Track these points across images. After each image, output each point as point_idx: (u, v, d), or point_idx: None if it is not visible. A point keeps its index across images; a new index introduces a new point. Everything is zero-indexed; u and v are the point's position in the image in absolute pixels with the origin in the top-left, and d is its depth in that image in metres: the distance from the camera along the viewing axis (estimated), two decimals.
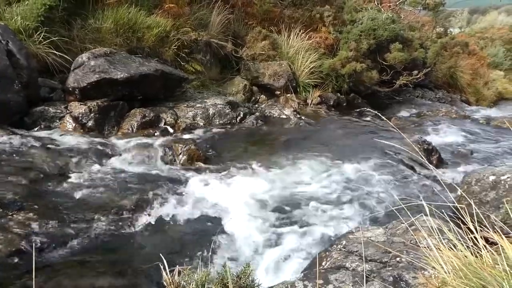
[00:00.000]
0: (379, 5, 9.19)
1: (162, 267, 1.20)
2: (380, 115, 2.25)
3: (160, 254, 1.30)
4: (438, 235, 1.54)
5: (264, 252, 2.89)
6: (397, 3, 9.97)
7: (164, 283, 1.17)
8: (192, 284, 1.13)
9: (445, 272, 1.39)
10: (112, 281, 2.55)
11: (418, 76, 8.44)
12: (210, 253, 2.68)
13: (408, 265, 2.11)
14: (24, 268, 2.56)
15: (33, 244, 2.64)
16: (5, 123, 4.20)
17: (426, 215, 1.70)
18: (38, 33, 5.10)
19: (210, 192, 3.65)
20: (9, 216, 2.89)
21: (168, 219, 3.27)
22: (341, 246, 2.53)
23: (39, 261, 2.59)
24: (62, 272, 2.54)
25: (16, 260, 2.59)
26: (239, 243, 2.98)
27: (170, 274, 1.17)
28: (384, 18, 8.16)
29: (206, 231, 3.18)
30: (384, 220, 3.13)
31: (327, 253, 2.48)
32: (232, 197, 3.56)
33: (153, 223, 3.20)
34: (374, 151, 4.82)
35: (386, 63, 8.08)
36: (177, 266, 1.23)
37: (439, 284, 1.37)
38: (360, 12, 8.61)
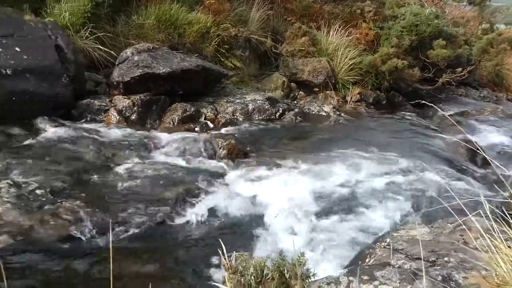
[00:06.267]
0: (422, 0, 8.93)
1: (220, 252, 1.22)
2: (439, 109, 2.19)
3: (219, 239, 1.31)
4: (497, 233, 1.48)
5: (305, 246, 2.87)
6: None
7: (223, 267, 1.19)
8: (251, 269, 1.14)
9: (504, 272, 1.34)
10: (154, 269, 2.62)
11: (462, 74, 8.13)
12: (252, 246, 2.69)
13: (458, 265, 2.04)
14: (72, 252, 2.66)
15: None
16: (53, 115, 4.36)
17: (476, 215, 1.63)
18: (84, 29, 5.27)
19: (250, 186, 3.67)
20: (59, 203, 3.00)
21: (208, 211, 3.31)
22: (385, 244, 2.48)
23: (87, 247, 2.68)
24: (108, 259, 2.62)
25: (65, 245, 2.70)
26: (280, 236, 2.98)
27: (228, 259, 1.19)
28: (427, 14, 7.91)
29: (246, 224, 3.21)
30: (429, 219, 3.05)
31: (370, 250, 2.44)
32: (273, 191, 3.56)
33: (193, 215, 3.26)
34: (417, 148, 4.70)
35: (428, 60, 7.83)
36: (234, 252, 1.25)
37: (500, 283, 1.32)
38: (403, 7, 8.38)
